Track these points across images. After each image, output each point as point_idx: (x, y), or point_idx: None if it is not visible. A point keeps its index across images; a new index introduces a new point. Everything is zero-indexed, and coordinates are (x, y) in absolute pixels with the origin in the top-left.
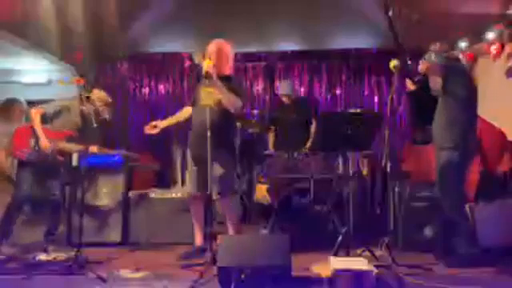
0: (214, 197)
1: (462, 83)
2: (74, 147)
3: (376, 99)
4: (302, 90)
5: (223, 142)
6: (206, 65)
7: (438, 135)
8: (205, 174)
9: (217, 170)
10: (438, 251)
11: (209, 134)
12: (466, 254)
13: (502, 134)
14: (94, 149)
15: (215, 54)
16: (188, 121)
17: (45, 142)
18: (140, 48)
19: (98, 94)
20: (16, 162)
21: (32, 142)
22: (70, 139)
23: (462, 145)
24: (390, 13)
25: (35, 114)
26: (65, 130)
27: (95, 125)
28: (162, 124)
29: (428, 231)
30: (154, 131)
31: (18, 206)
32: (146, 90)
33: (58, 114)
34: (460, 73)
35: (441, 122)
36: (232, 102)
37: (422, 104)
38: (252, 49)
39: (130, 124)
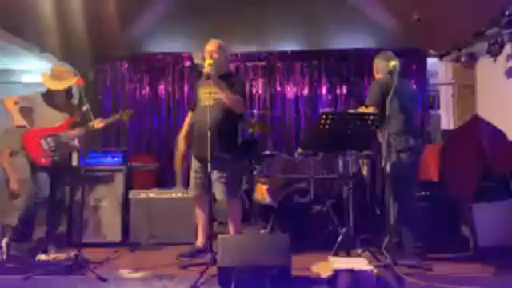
0: (218, 197)
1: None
2: (80, 129)
3: None
4: (302, 90)
5: (227, 142)
6: (207, 65)
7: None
8: (208, 174)
9: (222, 170)
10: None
11: (209, 134)
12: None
13: (502, 134)
14: (99, 124)
15: (214, 53)
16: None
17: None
18: (140, 48)
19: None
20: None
21: (44, 144)
22: (74, 125)
23: (414, 149)
24: None
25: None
26: (62, 121)
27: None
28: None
29: None
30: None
31: (38, 207)
32: (145, 90)
33: (33, 108)
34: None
35: (395, 130)
36: (235, 101)
37: None
38: (252, 49)
39: (130, 124)
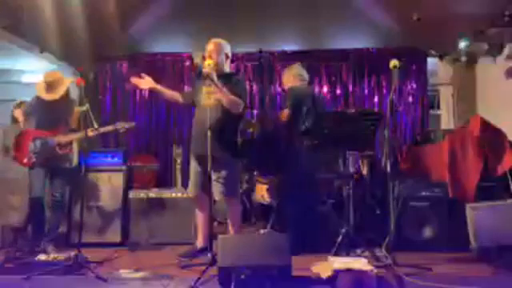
0: (217, 197)
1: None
2: (73, 135)
3: (376, 99)
4: None
5: (226, 142)
6: (206, 65)
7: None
8: (207, 174)
9: (221, 170)
10: None
11: (209, 134)
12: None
13: (502, 134)
14: (91, 132)
15: (214, 53)
16: (174, 103)
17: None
18: (140, 48)
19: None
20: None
21: (31, 145)
22: (66, 131)
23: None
24: None
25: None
26: (57, 126)
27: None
28: (153, 84)
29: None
30: (143, 85)
31: (39, 206)
32: (145, 90)
33: (37, 109)
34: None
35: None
36: (233, 102)
37: None
38: (252, 49)
39: None
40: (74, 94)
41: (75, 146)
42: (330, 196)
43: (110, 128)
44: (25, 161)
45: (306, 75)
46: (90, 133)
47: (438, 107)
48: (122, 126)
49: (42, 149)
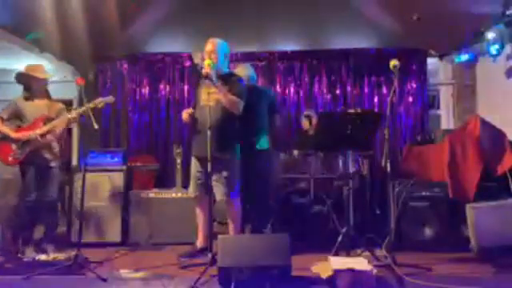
0: (218, 198)
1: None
2: (54, 123)
3: (376, 99)
4: (302, 90)
5: (227, 143)
6: (206, 65)
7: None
8: (208, 174)
9: (222, 170)
10: None
11: (209, 133)
12: None
13: (502, 134)
14: (72, 113)
15: (212, 53)
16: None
17: (16, 135)
18: (140, 48)
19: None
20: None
21: (13, 146)
22: (48, 120)
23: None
24: None
25: None
26: (38, 117)
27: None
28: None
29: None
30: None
31: (29, 208)
32: (145, 90)
33: (17, 112)
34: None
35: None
36: (232, 102)
37: None
38: (252, 49)
39: (130, 124)
40: (74, 94)
41: (74, 145)
42: (329, 196)
43: (89, 106)
44: (10, 159)
45: (251, 76)
46: (71, 114)
47: (438, 107)
48: (99, 101)
49: (25, 143)
